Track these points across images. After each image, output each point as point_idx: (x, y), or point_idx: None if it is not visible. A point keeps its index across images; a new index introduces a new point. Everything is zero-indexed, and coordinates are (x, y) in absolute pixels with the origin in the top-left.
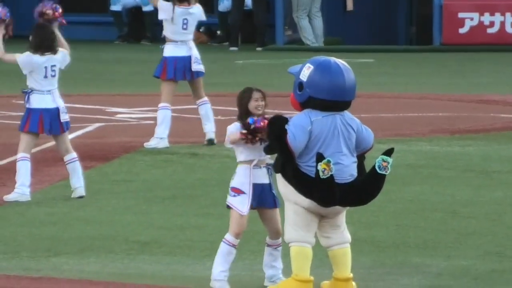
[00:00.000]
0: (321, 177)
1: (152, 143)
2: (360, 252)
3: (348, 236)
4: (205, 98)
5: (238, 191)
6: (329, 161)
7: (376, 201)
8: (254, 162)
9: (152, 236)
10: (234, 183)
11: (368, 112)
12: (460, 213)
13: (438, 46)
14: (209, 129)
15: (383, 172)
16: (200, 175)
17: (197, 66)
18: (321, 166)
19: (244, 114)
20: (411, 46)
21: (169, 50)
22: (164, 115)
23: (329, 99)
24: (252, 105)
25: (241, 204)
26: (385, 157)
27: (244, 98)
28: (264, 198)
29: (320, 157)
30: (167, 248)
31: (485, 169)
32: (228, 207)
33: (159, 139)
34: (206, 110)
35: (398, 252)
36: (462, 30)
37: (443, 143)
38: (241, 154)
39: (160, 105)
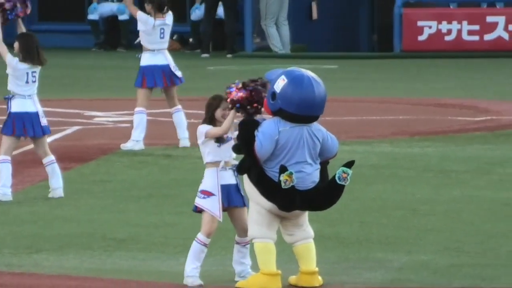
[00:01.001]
0: (283, 187)
1: (128, 145)
2: (325, 248)
3: (311, 232)
4: (179, 106)
5: (208, 193)
6: (291, 173)
7: (340, 199)
8: (221, 165)
9: (129, 233)
10: (203, 186)
11: (332, 115)
12: (420, 210)
13: (399, 52)
14: (182, 136)
15: (343, 183)
16: (174, 175)
17: (177, 72)
18: (283, 177)
19: (209, 119)
20: (373, 53)
21: (146, 59)
22: (140, 119)
23: (298, 113)
24: (218, 113)
25: (212, 206)
26: (345, 169)
27: (212, 106)
28: (232, 198)
29: (283, 169)
30: (143, 245)
31: (443, 169)
32: (196, 209)
33: (135, 141)
34: (179, 118)
35: (361, 247)
36: (421, 38)
37: (404, 145)
38: (208, 155)
39: (136, 109)
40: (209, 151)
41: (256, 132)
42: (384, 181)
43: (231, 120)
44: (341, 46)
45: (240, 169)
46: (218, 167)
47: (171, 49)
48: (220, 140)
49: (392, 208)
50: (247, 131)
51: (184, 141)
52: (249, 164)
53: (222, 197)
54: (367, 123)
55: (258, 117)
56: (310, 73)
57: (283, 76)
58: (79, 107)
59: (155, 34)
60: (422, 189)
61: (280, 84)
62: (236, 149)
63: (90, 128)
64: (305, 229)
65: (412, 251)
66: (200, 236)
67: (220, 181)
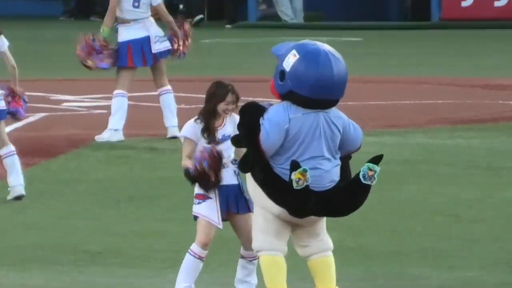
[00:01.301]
0: (295, 187)
1: (104, 136)
2: (347, 262)
3: (329, 243)
4: (168, 87)
5: (203, 197)
6: (305, 171)
7: (366, 203)
8: None
9: (105, 245)
10: (197, 189)
11: (355, 100)
12: (464, 216)
13: (437, 22)
14: (171, 124)
15: (368, 183)
16: (161, 173)
17: (159, 45)
18: (295, 175)
19: (209, 113)
20: (405, 22)
21: (121, 34)
22: (119, 103)
23: (313, 97)
24: (221, 107)
25: (209, 212)
26: (371, 165)
27: (216, 96)
28: (232, 202)
29: (294, 165)
30: (123, 259)
31: (492, 165)
32: (196, 218)
33: (113, 131)
34: (168, 101)
35: (391, 261)
36: (465, 3)
37: (444, 135)
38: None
39: (115, 92)
40: (200, 147)
41: (261, 120)
42: (420, 180)
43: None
44: (366, 13)
45: (242, 166)
46: None
47: (157, 18)
48: (211, 140)
49: (429, 213)
50: (250, 118)
51: (173, 130)
52: (253, 159)
53: (221, 200)
54: (399, 109)
55: (263, 102)
56: (327, 47)
57: (294, 51)
58: (45, 89)
59: (127, 1)
60: (467, 190)
61: (290, 60)
62: (236, 140)
63: (58, 115)
64: (322, 239)
65: (455, 266)
66: (195, 247)
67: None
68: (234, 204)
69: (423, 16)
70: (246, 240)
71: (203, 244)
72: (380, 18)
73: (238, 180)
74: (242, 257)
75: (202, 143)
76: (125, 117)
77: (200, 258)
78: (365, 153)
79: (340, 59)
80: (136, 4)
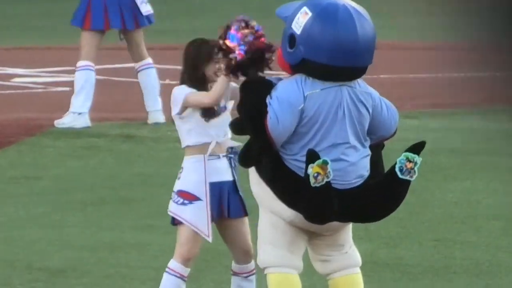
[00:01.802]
0: (313, 185)
1: (66, 121)
2: (379, 281)
3: (357, 257)
4: (148, 60)
5: (189, 197)
6: (325, 163)
7: (404, 205)
8: (211, 150)
9: (69, 261)
10: (181, 184)
11: (389, 72)
12: None
13: None
14: (153, 107)
15: (407, 178)
16: (140, 168)
17: (146, 6)
18: (313, 169)
19: (193, 78)
20: None
21: None
22: (85, 78)
23: (333, 64)
24: (211, 69)
25: (196, 218)
26: (410, 155)
27: (199, 58)
28: (225, 204)
29: (312, 156)
30: (91, 278)
31: None
32: (174, 221)
33: (77, 114)
34: (149, 78)
35: (437, 280)
36: None
37: (503, 118)
38: (190, 134)
39: (80, 64)
40: (190, 128)
41: (268, 99)
42: (473, 175)
43: (224, 83)
44: None
45: (244, 159)
46: (205, 153)
47: None
48: (208, 112)
49: (485, 218)
50: (254, 97)
51: (156, 115)
52: (259, 149)
53: (212, 203)
54: (446, 83)
55: (269, 75)
56: (347, 2)
57: (305, 8)
58: None
59: None
60: None
61: (301, 20)
62: (236, 127)
63: (7, 94)
64: (347, 251)
65: None
66: (174, 264)
67: (209, 177)
68: (228, 207)
69: None
70: (239, 252)
71: (185, 260)
72: None
73: (233, 174)
74: (235, 273)
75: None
76: (92, 97)
77: (181, 277)
78: (403, 141)
79: (365, 15)
80: None
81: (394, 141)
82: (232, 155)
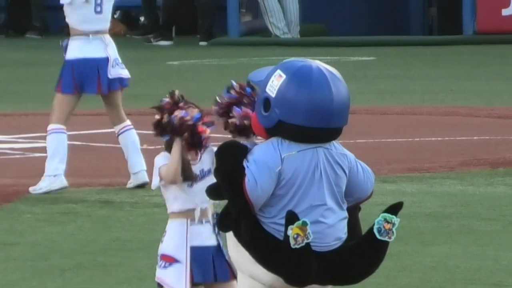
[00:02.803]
0: (293, 246)
1: (43, 185)
2: None
3: None
4: (128, 122)
5: (170, 259)
6: (305, 224)
7: (382, 270)
8: (197, 214)
9: None
10: (164, 247)
11: (367, 136)
12: (507, 285)
13: (471, 35)
14: (139, 167)
15: (385, 239)
16: (118, 233)
17: (120, 70)
18: (292, 231)
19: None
20: (430, 37)
21: (74, 49)
22: (57, 142)
23: (308, 126)
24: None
25: (176, 280)
26: (388, 216)
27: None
28: (210, 268)
29: (291, 218)
30: None
31: None
32: (160, 286)
33: (52, 176)
34: (131, 139)
35: None
36: (506, 11)
37: (481, 182)
38: (175, 201)
39: (50, 127)
40: (176, 195)
41: (245, 163)
42: (451, 239)
43: (174, 160)
44: (380, 26)
45: (221, 223)
46: (189, 218)
47: (112, 33)
48: (188, 176)
49: (463, 282)
50: (230, 161)
51: (142, 176)
52: (237, 213)
53: (194, 267)
54: (423, 148)
55: (244, 141)
56: (320, 63)
57: (278, 71)
58: None
59: (87, 6)
60: (511, 252)
61: (275, 83)
62: (213, 192)
63: None
64: None
65: None
66: None
67: (191, 241)
68: (211, 271)
69: (453, 28)
70: None
71: None
72: (399, 31)
73: (217, 239)
74: None
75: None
76: (66, 158)
77: None
78: (380, 205)
79: (339, 76)
80: (99, 9)
81: (372, 206)
82: (215, 221)
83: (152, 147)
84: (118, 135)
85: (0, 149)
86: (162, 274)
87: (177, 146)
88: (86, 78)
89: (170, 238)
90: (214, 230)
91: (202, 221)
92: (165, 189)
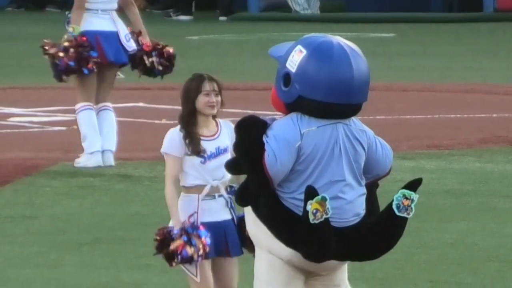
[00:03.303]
0: (312, 221)
1: (81, 160)
2: None
3: None
4: (109, 103)
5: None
6: (324, 199)
7: (400, 246)
8: (206, 191)
9: None
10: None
11: (386, 113)
12: None
13: (491, 13)
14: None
15: (404, 215)
16: (136, 207)
17: (132, 44)
18: (312, 206)
19: (188, 114)
20: (450, 14)
21: (86, 23)
22: (85, 119)
23: (329, 101)
24: (201, 101)
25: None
26: (407, 192)
27: (190, 91)
28: (222, 243)
29: (311, 193)
30: None
31: None
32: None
33: (89, 154)
34: (109, 119)
35: None
36: None
37: (500, 159)
38: (187, 175)
39: (78, 105)
40: (187, 172)
41: (265, 138)
42: (469, 216)
43: (172, 212)
44: (400, 3)
45: (241, 198)
46: (200, 193)
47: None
48: (195, 151)
49: (481, 259)
50: (250, 136)
51: (106, 157)
52: (256, 188)
53: (218, 243)
54: (442, 125)
55: (264, 117)
56: (341, 40)
57: (299, 47)
58: None
59: None
60: None
61: (296, 58)
62: (232, 166)
63: (4, 133)
64: None
65: None
66: None
67: (202, 217)
68: (225, 246)
69: (473, 6)
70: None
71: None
72: (418, 8)
73: (231, 213)
74: None
75: (191, 158)
76: (97, 134)
77: None
78: (399, 182)
79: (359, 53)
80: None
81: (391, 182)
82: (230, 195)
83: (171, 121)
84: (99, 111)
85: (19, 122)
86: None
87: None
88: (109, 49)
89: (183, 212)
90: (227, 204)
91: (214, 196)
92: (178, 159)
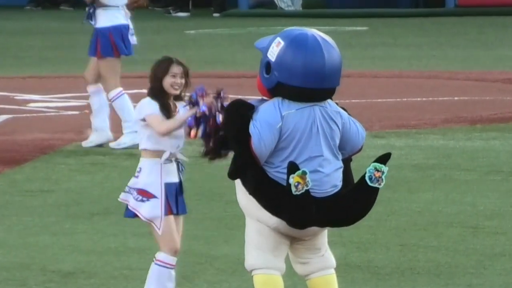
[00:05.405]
0: (294, 193)
1: (91, 139)
2: (352, 281)
3: (331, 260)
4: (102, 87)
5: (148, 195)
6: (304, 173)
7: (373, 214)
8: (165, 156)
9: (78, 264)
10: (141, 183)
11: (360, 97)
12: (483, 228)
13: (453, 8)
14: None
15: (375, 185)
16: None
17: (133, 38)
18: (293, 179)
19: (155, 90)
20: (416, 9)
21: (103, 19)
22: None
23: (304, 86)
24: (167, 81)
25: (150, 212)
26: (378, 165)
27: (158, 71)
28: (172, 202)
29: (292, 168)
30: (98, 279)
31: None
32: (130, 213)
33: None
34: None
35: (403, 280)
36: None
37: (460, 136)
38: (148, 140)
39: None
40: (150, 135)
41: (252, 122)
42: (434, 187)
43: (180, 123)
44: (372, 1)
45: (232, 172)
46: (160, 158)
47: (135, 6)
48: (171, 116)
49: (445, 225)
50: (238, 118)
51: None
52: (244, 164)
53: (170, 202)
54: (409, 107)
55: (252, 100)
56: (315, 31)
57: (278, 39)
58: (8, 88)
59: None
60: (487, 198)
61: (275, 49)
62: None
63: (24, 117)
64: (323, 254)
65: (473, 284)
66: (162, 255)
67: (165, 178)
68: (174, 204)
69: (437, 2)
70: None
71: (173, 251)
72: (388, 4)
73: (179, 177)
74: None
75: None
76: (108, 115)
77: (171, 266)
78: (372, 158)
79: (332, 43)
80: None
81: (364, 158)
82: (179, 161)
83: None
84: (91, 95)
85: (37, 107)
86: (138, 206)
87: (189, 113)
88: (120, 42)
89: (147, 175)
90: (178, 168)
91: (171, 160)
92: (143, 127)
